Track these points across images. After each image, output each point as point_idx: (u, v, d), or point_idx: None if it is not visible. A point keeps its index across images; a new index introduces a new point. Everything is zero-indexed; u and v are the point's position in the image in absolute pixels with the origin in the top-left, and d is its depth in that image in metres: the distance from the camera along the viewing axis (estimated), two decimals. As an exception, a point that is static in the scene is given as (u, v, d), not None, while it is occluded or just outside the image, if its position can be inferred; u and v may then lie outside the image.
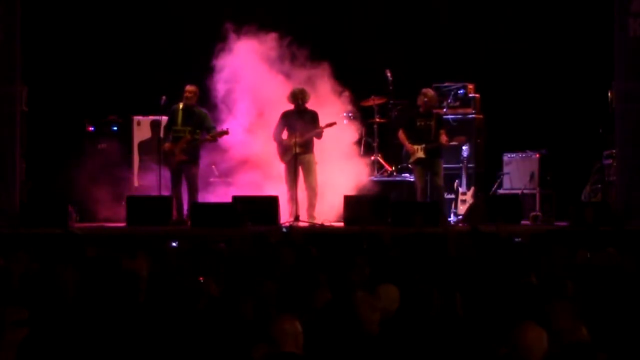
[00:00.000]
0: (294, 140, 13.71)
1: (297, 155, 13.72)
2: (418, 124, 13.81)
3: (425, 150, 13.67)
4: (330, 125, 13.85)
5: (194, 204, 13.53)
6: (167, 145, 13.89)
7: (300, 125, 13.78)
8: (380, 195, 14.16)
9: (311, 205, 13.75)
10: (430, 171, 13.73)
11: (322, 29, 15.26)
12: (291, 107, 13.98)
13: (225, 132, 13.74)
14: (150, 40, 15.77)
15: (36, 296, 6.59)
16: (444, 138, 13.72)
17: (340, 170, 14.49)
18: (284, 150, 13.93)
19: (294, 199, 13.68)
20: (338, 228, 13.25)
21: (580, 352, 4.99)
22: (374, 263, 8.01)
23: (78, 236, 10.76)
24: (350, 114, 15.06)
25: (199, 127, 13.78)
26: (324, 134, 13.89)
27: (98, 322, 6.14)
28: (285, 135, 13.98)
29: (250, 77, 14.70)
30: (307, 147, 13.86)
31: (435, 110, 14.00)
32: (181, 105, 13.83)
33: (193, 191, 13.86)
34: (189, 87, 13.80)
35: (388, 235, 10.39)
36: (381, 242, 10.04)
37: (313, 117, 13.90)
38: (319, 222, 13.43)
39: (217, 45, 14.55)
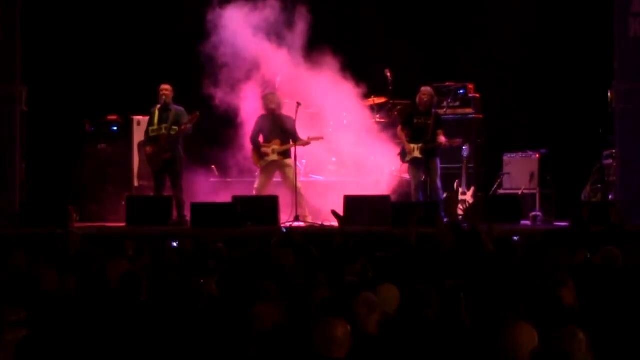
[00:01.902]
0: (272, 147, 13.79)
1: (275, 162, 13.83)
2: (416, 121, 13.81)
3: (422, 151, 13.67)
4: (316, 139, 14.01)
5: (194, 205, 13.50)
6: (147, 149, 13.90)
7: (275, 131, 13.86)
8: (380, 195, 14.15)
9: (300, 207, 13.74)
10: (427, 171, 13.72)
11: (321, 28, 15.23)
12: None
13: (196, 115, 13.71)
14: (150, 40, 15.77)
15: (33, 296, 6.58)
16: (442, 138, 13.71)
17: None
18: (259, 156, 13.97)
19: None
20: (338, 228, 13.22)
21: None
22: (374, 263, 8.00)
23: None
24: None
25: (175, 123, 13.73)
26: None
27: (98, 322, 6.14)
28: (261, 139, 14.03)
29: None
30: (286, 153, 13.96)
31: (434, 110, 13.97)
32: (157, 106, 13.83)
33: (176, 190, 13.76)
34: (163, 86, 13.80)
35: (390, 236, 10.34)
36: (381, 242, 10.02)
37: (289, 123, 13.97)
38: (319, 222, 13.43)
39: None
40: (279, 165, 13.96)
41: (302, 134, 14.02)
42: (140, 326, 6.13)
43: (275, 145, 13.88)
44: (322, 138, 14.13)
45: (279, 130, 13.95)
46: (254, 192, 14.03)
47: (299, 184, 13.90)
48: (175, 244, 10.17)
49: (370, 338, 5.85)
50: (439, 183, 13.76)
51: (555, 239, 10.18)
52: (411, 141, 13.77)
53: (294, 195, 13.72)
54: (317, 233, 12.24)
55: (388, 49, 15.70)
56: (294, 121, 13.98)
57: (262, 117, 14.13)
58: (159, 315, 6.40)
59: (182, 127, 13.66)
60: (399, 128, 14.01)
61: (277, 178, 14.63)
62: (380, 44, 15.78)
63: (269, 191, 13.96)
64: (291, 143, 13.89)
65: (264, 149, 13.96)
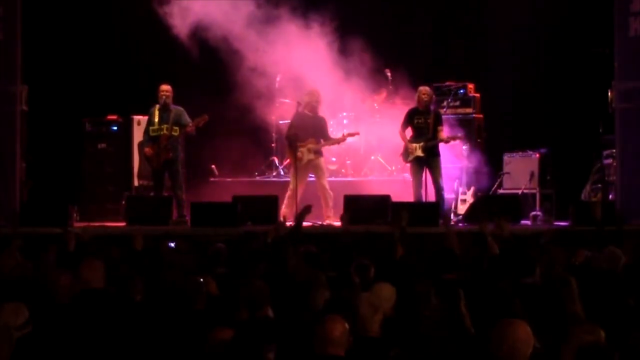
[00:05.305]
0: (308, 147, 13.76)
1: (311, 161, 13.79)
2: (416, 121, 13.79)
3: (424, 149, 13.65)
4: (352, 135, 14.14)
5: (194, 204, 13.49)
6: (147, 150, 13.86)
7: (312, 130, 13.83)
8: (380, 195, 14.14)
9: (327, 206, 13.76)
10: (429, 170, 13.69)
11: (320, 28, 15.23)
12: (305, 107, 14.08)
13: (204, 119, 13.68)
14: (150, 40, 15.77)
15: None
16: (442, 135, 13.70)
17: None
18: (295, 153, 13.90)
19: (294, 200, 13.66)
20: (338, 228, 13.21)
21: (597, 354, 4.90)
22: (376, 263, 7.99)
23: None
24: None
25: (176, 123, 13.72)
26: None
27: (96, 321, 6.14)
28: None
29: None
30: (319, 152, 13.93)
31: (433, 107, 13.95)
32: (157, 106, 13.81)
33: (177, 189, 13.76)
34: (163, 87, 13.77)
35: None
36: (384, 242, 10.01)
37: (322, 122, 13.98)
38: (320, 222, 13.42)
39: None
40: (313, 164, 13.87)
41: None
42: (139, 326, 6.13)
43: (311, 144, 13.84)
44: (357, 134, 14.20)
45: (314, 129, 13.89)
46: (289, 192, 13.88)
47: (325, 184, 13.87)
48: (172, 245, 10.16)
49: (373, 339, 5.85)
50: (441, 182, 13.73)
51: (558, 239, 10.19)
52: (413, 141, 13.75)
53: (324, 194, 13.75)
54: (318, 233, 12.23)
55: (388, 48, 15.70)
56: (326, 121, 14.07)
57: (298, 115, 14.09)
58: (157, 315, 6.40)
59: (189, 127, 13.66)
60: (400, 128, 13.98)
61: (280, 178, 14.73)
62: (380, 44, 15.76)
63: (303, 189, 13.84)
64: (322, 142, 13.85)
65: (300, 147, 13.87)
